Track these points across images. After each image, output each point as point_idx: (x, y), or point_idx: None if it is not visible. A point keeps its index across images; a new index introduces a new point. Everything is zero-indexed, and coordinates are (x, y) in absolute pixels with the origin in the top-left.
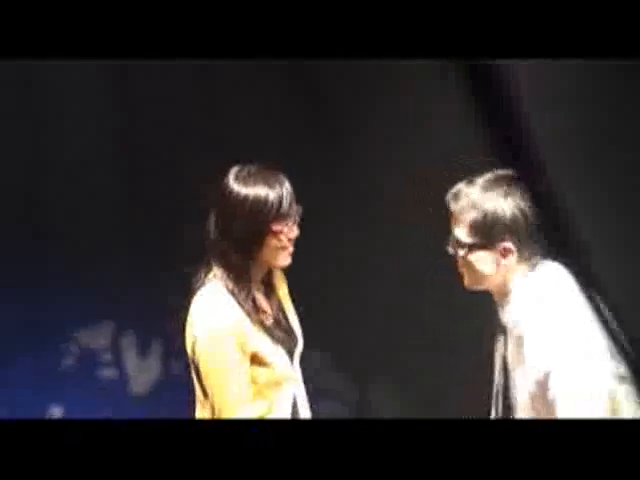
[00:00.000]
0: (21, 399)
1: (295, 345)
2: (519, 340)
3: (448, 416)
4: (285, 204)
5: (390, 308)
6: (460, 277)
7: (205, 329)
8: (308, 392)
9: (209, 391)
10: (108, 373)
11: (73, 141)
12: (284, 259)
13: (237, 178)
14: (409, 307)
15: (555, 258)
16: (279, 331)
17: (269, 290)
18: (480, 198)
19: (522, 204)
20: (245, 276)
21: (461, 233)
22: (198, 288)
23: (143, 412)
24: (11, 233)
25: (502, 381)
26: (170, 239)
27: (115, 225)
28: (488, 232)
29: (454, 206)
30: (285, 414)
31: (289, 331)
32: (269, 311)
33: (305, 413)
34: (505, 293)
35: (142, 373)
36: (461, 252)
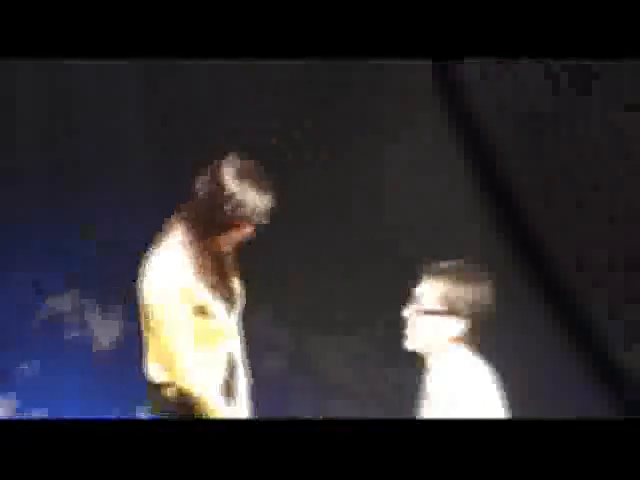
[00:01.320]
0: None
1: (235, 304)
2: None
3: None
4: (266, 216)
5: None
6: (405, 337)
7: (158, 281)
8: (250, 346)
9: (159, 339)
10: (74, 333)
11: None
12: (234, 244)
13: (236, 176)
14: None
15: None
16: (222, 289)
17: (216, 255)
18: (456, 278)
19: (488, 299)
20: (202, 242)
21: (429, 300)
22: (160, 240)
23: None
24: None
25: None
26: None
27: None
28: (453, 305)
29: (430, 280)
30: (222, 366)
31: (231, 291)
32: (215, 272)
33: (240, 368)
34: (434, 359)
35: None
36: (419, 316)
